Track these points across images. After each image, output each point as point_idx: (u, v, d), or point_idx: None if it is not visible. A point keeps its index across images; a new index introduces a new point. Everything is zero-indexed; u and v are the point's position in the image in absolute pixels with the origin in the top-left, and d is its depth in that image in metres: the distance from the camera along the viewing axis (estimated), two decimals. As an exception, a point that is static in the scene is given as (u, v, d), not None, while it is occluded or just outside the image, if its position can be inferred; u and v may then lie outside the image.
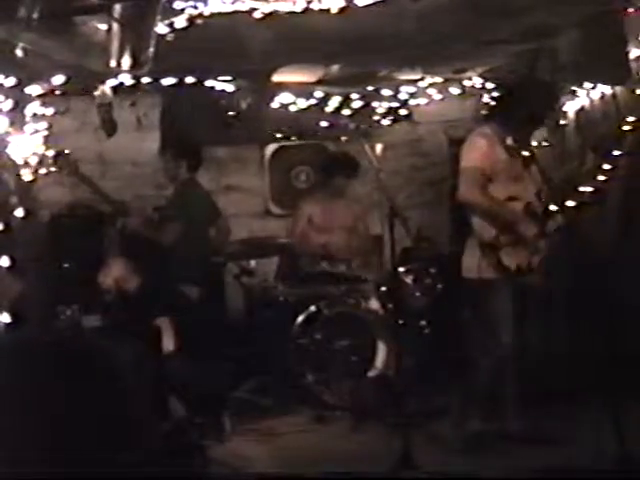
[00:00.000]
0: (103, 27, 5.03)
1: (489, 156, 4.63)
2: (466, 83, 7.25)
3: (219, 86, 6.85)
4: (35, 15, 4.64)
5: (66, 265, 5.63)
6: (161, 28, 5.25)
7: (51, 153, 5.62)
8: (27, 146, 5.35)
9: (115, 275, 5.27)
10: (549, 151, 5.05)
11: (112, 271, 5.29)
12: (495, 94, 5.03)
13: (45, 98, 5.59)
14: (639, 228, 5.54)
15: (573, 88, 6.30)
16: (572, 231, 4.62)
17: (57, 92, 5.77)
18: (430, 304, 6.22)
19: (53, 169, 5.39)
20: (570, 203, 4.54)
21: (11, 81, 4.96)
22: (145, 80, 6.21)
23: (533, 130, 4.78)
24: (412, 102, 7.49)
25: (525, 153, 4.62)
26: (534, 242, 4.56)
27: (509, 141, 4.65)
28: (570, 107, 6.42)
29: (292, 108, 7.24)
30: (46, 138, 5.60)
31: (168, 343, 5.06)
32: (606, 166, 5.45)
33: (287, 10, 5.22)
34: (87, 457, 4.00)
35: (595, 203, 5.34)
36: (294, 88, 7.13)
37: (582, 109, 6.27)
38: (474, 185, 4.62)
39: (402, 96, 7.41)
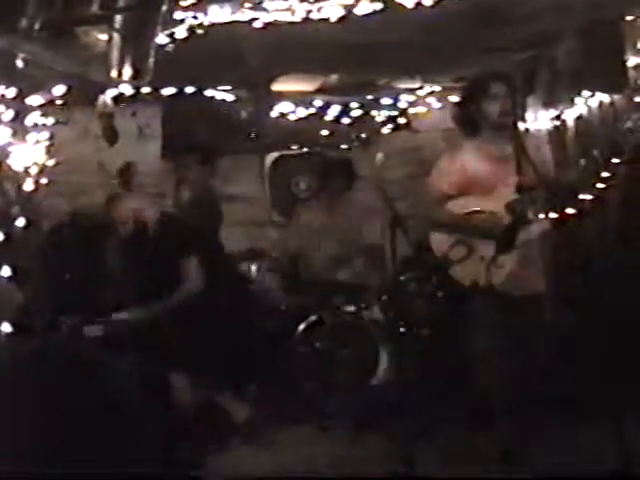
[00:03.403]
0: (104, 37, 5.06)
1: (452, 173, 4.63)
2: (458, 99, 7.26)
3: (219, 96, 6.88)
4: (36, 26, 4.66)
5: (68, 275, 5.62)
6: (161, 38, 5.27)
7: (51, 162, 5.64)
8: (28, 156, 5.37)
9: (132, 206, 5.23)
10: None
11: (128, 203, 5.24)
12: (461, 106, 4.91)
13: (46, 108, 5.60)
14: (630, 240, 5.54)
15: (571, 96, 6.32)
16: (547, 243, 4.56)
17: (58, 102, 5.79)
18: (432, 312, 6.22)
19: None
20: (547, 214, 4.46)
21: (12, 92, 4.97)
22: (146, 90, 6.24)
23: (503, 140, 4.63)
24: (411, 110, 7.52)
25: (499, 164, 4.58)
26: (495, 256, 4.46)
27: (481, 152, 4.65)
28: (567, 115, 6.44)
29: (292, 117, 7.26)
30: (47, 148, 5.62)
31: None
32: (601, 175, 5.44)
33: (286, 20, 5.25)
34: (88, 460, 4.04)
35: (577, 214, 5.28)
36: (293, 97, 7.16)
37: (579, 117, 6.29)
38: (429, 201, 4.67)
39: (401, 105, 7.44)
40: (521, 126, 4.82)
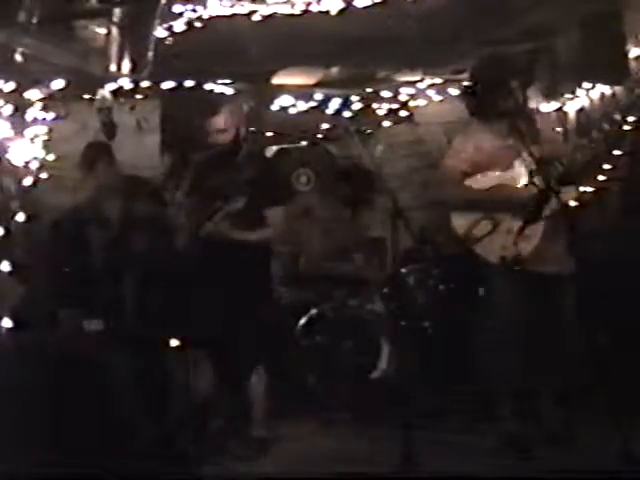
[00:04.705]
0: (103, 31, 5.04)
1: (469, 152, 4.64)
2: (465, 84, 7.24)
3: (218, 89, 6.86)
4: (35, 19, 4.65)
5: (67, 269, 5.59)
6: (160, 32, 5.26)
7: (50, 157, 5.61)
8: (27, 151, 5.35)
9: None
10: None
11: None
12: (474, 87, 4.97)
13: (45, 102, 5.58)
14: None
15: (572, 87, 6.30)
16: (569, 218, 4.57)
17: (57, 96, 5.77)
18: (433, 305, 6.21)
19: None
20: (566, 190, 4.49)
21: (11, 86, 4.96)
22: (144, 84, 6.21)
23: (517, 117, 4.64)
24: (412, 103, 7.50)
25: (515, 141, 4.60)
26: (522, 230, 4.52)
27: (495, 131, 4.66)
28: (569, 107, 6.43)
29: (292, 110, 7.25)
30: (46, 142, 5.60)
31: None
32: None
33: (286, 12, 5.23)
34: (87, 459, 4.05)
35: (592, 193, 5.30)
36: (294, 90, 7.13)
37: (581, 109, 6.27)
38: (447, 180, 4.68)
39: (402, 97, 7.42)
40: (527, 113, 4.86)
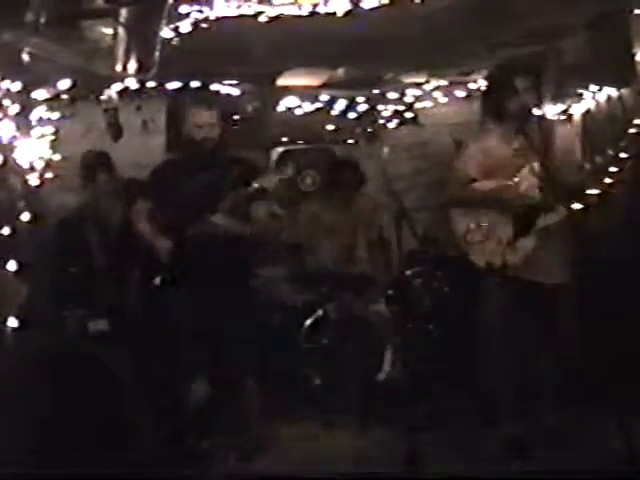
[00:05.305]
0: (109, 31, 5.05)
1: (478, 157, 4.67)
2: (472, 86, 7.25)
3: (224, 90, 6.87)
4: (42, 20, 4.66)
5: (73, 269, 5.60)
6: (167, 32, 5.27)
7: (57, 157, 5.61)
8: (33, 151, 5.36)
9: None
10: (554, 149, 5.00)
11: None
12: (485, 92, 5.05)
13: (51, 103, 5.59)
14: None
15: (579, 90, 6.30)
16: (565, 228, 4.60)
17: (63, 97, 5.78)
18: (437, 307, 6.21)
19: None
20: (567, 200, 4.52)
21: (17, 86, 4.97)
22: (151, 84, 6.22)
23: (525, 124, 4.71)
24: (418, 105, 7.50)
25: (523, 148, 4.61)
26: (515, 238, 4.53)
27: (505, 137, 4.67)
28: (576, 109, 6.42)
29: (298, 112, 7.25)
30: (52, 143, 5.61)
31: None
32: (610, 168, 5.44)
33: (293, 14, 5.24)
34: (87, 458, 4.06)
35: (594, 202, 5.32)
36: (299, 92, 7.14)
37: (587, 111, 6.27)
38: (454, 183, 4.73)
39: (408, 99, 7.42)
40: (538, 117, 4.90)
